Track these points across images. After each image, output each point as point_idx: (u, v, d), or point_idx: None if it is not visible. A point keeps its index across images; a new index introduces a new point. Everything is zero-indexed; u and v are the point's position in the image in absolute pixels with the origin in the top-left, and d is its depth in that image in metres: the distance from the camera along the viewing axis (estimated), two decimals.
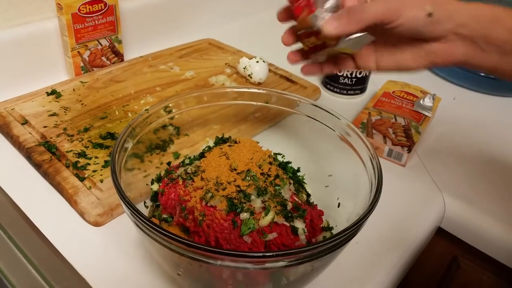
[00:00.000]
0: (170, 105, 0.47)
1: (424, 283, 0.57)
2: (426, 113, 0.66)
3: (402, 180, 0.57)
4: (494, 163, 0.61)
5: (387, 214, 0.51)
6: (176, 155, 0.51)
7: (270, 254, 0.29)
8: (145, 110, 0.45)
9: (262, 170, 0.39)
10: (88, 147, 0.54)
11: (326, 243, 0.31)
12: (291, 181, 0.41)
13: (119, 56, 0.75)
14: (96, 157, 0.53)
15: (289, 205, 0.38)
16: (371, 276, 0.44)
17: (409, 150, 0.58)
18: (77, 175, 0.50)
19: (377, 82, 0.78)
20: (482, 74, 0.77)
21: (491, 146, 0.65)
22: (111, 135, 0.57)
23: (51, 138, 0.55)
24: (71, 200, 0.47)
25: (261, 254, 0.30)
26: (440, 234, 0.55)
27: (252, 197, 0.37)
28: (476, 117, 0.72)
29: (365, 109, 0.67)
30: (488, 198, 0.55)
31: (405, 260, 0.47)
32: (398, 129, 0.62)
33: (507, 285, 0.55)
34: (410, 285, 0.53)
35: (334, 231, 0.41)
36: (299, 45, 0.43)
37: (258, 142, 0.44)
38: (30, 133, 0.56)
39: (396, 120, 0.64)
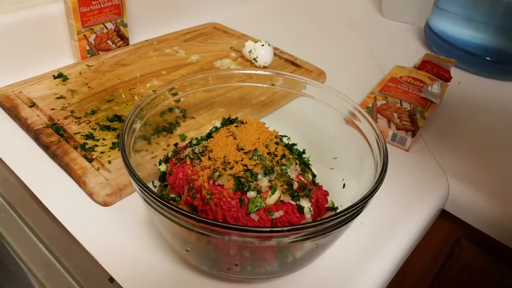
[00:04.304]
0: (176, 87, 0.47)
1: (427, 264, 0.57)
2: (434, 100, 0.66)
3: (407, 164, 0.57)
4: (499, 147, 0.61)
5: (391, 196, 0.51)
6: (183, 138, 0.52)
7: (277, 229, 0.30)
8: (153, 91, 0.45)
9: (269, 150, 0.40)
10: (95, 129, 0.55)
11: (332, 219, 0.31)
12: (297, 161, 0.42)
13: (124, 39, 0.75)
14: (103, 139, 0.53)
15: (295, 185, 0.39)
16: (375, 256, 0.44)
17: (413, 135, 0.59)
18: (85, 157, 0.51)
19: (384, 68, 0.78)
20: (488, 58, 0.77)
21: (496, 130, 0.65)
22: (118, 118, 0.57)
23: (58, 120, 0.56)
24: (79, 181, 0.48)
25: (268, 230, 0.30)
26: (444, 216, 0.56)
27: (259, 176, 0.37)
28: (482, 102, 0.72)
29: (371, 94, 0.67)
30: (492, 181, 0.55)
31: (409, 241, 0.48)
32: (403, 114, 0.62)
33: (510, 267, 0.56)
34: (413, 266, 0.53)
35: None
36: None
37: (264, 123, 0.44)
38: (38, 116, 0.57)
39: (401, 105, 0.64)
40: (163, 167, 0.44)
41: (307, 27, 0.95)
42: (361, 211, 0.34)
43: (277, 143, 0.41)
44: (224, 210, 0.36)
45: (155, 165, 0.45)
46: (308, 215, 0.38)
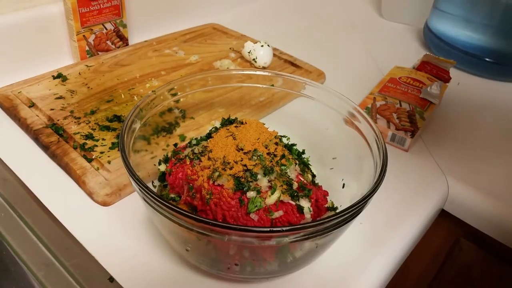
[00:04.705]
0: (175, 87, 0.47)
1: (426, 264, 0.57)
2: (434, 101, 0.66)
3: (406, 164, 0.57)
4: (498, 147, 0.62)
5: (390, 196, 0.51)
6: (182, 138, 0.52)
7: (277, 229, 0.30)
8: (152, 92, 0.45)
9: (269, 150, 0.40)
10: (95, 129, 0.55)
11: (332, 219, 0.31)
12: (297, 162, 0.42)
13: (123, 40, 0.75)
14: (103, 139, 0.53)
15: (295, 185, 0.39)
16: (374, 256, 0.44)
17: (412, 135, 0.59)
18: (84, 157, 0.51)
19: (383, 69, 0.78)
20: (487, 59, 0.77)
21: (495, 130, 0.65)
22: (118, 118, 0.57)
23: (58, 120, 0.56)
24: (79, 181, 0.48)
25: (268, 229, 0.30)
26: (444, 216, 0.56)
27: (259, 176, 0.38)
28: (481, 102, 0.72)
29: (370, 94, 0.67)
30: (491, 181, 0.55)
31: (408, 241, 0.48)
32: (402, 115, 0.62)
33: (510, 267, 0.56)
34: (412, 266, 0.53)
35: None
36: None
37: (264, 124, 0.44)
38: (37, 116, 0.57)
39: (401, 105, 0.64)
40: (162, 167, 0.44)
41: (307, 28, 0.96)
42: (361, 211, 0.35)
43: (276, 143, 0.41)
44: (223, 210, 0.36)
45: (154, 165, 0.45)
46: (307, 215, 0.38)
